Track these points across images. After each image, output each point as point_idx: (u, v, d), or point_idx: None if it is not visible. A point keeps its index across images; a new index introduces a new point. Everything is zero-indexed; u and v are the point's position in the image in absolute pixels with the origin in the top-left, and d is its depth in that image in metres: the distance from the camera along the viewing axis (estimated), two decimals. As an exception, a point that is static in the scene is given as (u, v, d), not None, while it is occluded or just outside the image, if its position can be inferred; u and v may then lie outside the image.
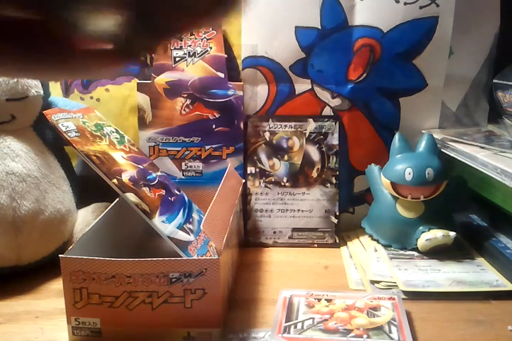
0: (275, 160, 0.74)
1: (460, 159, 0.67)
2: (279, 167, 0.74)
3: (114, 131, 0.63)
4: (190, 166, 0.74)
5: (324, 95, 0.73)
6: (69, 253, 0.50)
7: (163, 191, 0.59)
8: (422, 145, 0.69)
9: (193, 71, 0.73)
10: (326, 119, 0.73)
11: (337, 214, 0.74)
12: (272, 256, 0.71)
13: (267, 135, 0.74)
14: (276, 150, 0.74)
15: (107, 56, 0.22)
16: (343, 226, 0.75)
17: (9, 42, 0.21)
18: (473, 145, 0.67)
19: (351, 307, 0.54)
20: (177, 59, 0.73)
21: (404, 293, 0.59)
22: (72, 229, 0.67)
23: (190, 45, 0.72)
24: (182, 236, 0.55)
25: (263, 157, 0.74)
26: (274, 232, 0.74)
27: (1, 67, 0.22)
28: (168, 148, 0.74)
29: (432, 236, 0.65)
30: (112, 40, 0.21)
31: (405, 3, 0.70)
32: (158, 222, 0.54)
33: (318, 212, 0.74)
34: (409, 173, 0.66)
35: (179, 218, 0.57)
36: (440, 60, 0.72)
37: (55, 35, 0.21)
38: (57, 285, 0.61)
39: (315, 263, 0.68)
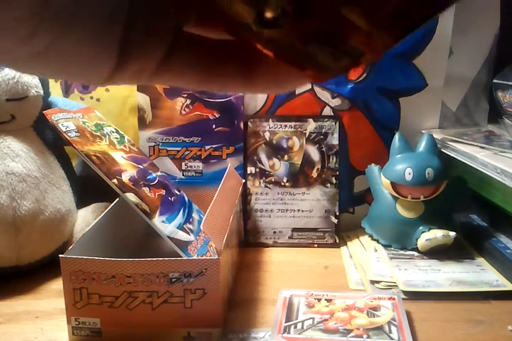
0: (275, 160, 0.74)
1: (460, 159, 0.67)
2: (279, 167, 0.74)
3: (114, 131, 0.63)
4: (190, 166, 0.74)
5: (324, 95, 0.73)
6: (69, 253, 0.50)
7: (163, 191, 0.59)
8: (422, 145, 0.69)
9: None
10: (326, 119, 0.73)
11: (337, 214, 0.74)
12: (272, 256, 0.71)
13: (267, 135, 0.74)
14: (276, 150, 0.74)
15: (295, 71, 0.20)
16: (343, 226, 0.75)
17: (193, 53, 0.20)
18: (473, 145, 0.67)
19: (351, 307, 0.54)
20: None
21: (404, 293, 0.59)
22: (72, 229, 0.67)
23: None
24: (182, 236, 0.55)
25: (263, 157, 0.74)
26: (274, 232, 0.74)
27: (182, 78, 0.21)
28: (168, 148, 0.74)
29: (432, 236, 0.65)
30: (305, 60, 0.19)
31: (405, 3, 0.70)
32: (158, 222, 0.54)
33: (318, 212, 0.74)
34: (409, 173, 0.66)
35: (179, 218, 0.57)
36: (440, 60, 0.72)
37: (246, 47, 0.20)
38: (57, 285, 0.61)
39: (315, 263, 0.68)
